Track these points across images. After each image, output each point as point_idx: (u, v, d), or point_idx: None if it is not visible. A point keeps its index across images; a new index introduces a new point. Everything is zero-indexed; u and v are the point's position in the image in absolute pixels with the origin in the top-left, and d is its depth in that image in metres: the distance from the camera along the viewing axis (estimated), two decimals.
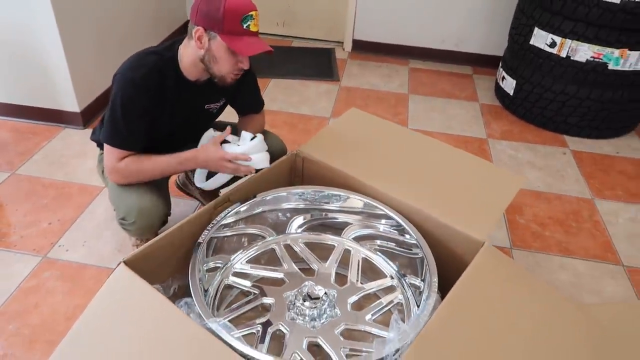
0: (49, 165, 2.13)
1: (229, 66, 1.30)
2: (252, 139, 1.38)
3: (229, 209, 1.36)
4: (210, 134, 1.44)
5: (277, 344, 1.24)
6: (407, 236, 1.37)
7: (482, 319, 1.11)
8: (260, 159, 1.37)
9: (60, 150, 2.23)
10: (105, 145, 1.32)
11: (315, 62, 3.29)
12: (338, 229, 1.54)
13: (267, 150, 1.40)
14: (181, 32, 3.26)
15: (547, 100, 2.55)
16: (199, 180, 1.49)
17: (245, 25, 1.24)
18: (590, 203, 2.13)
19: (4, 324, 1.45)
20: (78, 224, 1.83)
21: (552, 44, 2.42)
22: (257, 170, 1.40)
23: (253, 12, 1.25)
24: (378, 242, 1.50)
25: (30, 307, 1.51)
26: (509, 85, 2.73)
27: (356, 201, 1.46)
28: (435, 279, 1.21)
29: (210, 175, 1.49)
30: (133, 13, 2.74)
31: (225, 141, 1.39)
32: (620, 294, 1.70)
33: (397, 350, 1.03)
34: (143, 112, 1.31)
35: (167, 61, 1.32)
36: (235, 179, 1.45)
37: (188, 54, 1.32)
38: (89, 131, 2.32)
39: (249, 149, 1.36)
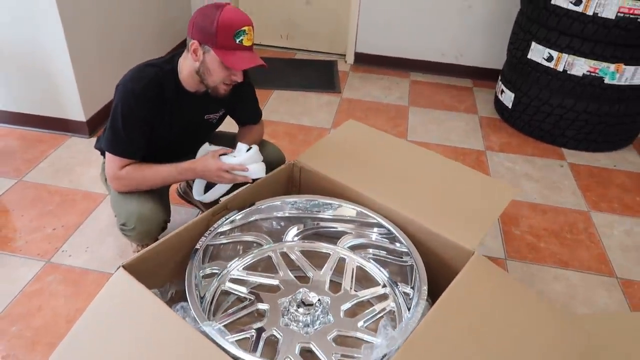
0: (54, 172, 2.19)
1: (222, 79, 1.35)
2: (247, 150, 1.42)
3: (225, 217, 1.40)
4: (206, 148, 1.49)
5: (271, 349, 1.27)
6: (399, 244, 1.40)
7: (470, 326, 1.14)
8: (256, 169, 1.41)
9: (65, 158, 2.29)
10: (107, 154, 1.38)
11: (318, 74, 3.35)
12: (333, 237, 1.58)
13: (262, 161, 1.44)
14: (184, 45, 3.33)
15: (544, 114, 2.58)
16: (197, 193, 1.54)
17: (238, 40, 1.28)
18: (586, 215, 2.15)
19: (7, 326, 1.49)
20: (81, 230, 1.88)
21: (549, 58, 2.46)
22: (253, 180, 1.44)
23: (246, 27, 1.29)
24: (371, 250, 1.53)
25: (33, 309, 1.55)
26: (508, 98, 2.77)
27: (349, 210, 1.50)
28: (425, 287, 1.24)
29: (208, 188, 1.53)
30: (138, 27, 2.82)
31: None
32: (614, 306, 1.71)
33: (385, 356, 1.06)
34: (143, 121, 1.35)
35: (166, 73, 1.37)
36: (232, 189, 1.49)
37: (186, 66, 1.37)
38: (94, 140, 2.36)
39: (245, 160, 1.40)
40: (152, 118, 1.37)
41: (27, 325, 1.50)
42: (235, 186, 1.50)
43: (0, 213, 1.94)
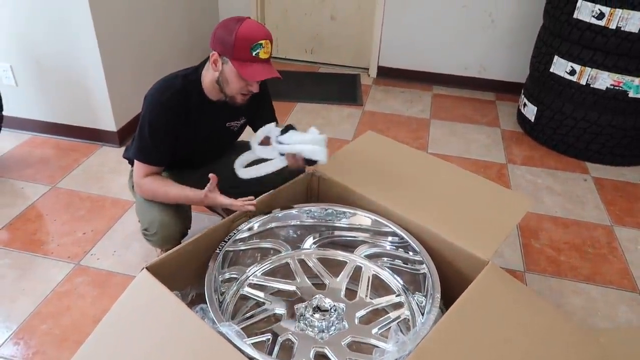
0: (86, 180, 2.29)
1: (239, 89, 1.41)
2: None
3: (244, 224, 1.45)
4: (269, 128, 1.49)
5: (286, 353, 1.30)
6: (413, 253, 1.43)
7: (481, 334, 1.15)
8: (319, 151, 1.40)
9: (97, 166, 2.39)
10: (135, 160, 1.45)
11: (341, 88, 3.41)
12: (349, 246, 1.61)
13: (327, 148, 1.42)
14: None
15: (567, 127, 2.57)
16: (238, 166, 1.50)
17: (254, 53, 1.33)
18: (609, 230, 2.12)
19: (38, 323, 1.57)
20: (109, 235, 1.96)
21: (572, 72, 2.45)
22: (312, 163, 1.44)
23: (263, 41, 1.33)
24: (387, 259, 1.56)
25: (62, 309, 1.63)
26: (530, 111, 2.76)
27: (363, 218, 1.53)
28: (438, 294, 1.26)
29: (253, 163, 1.51)
30: (168, 41, 2.94)
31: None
32: (636, 321, 1.68)
33: None
34: (168, 130, 1.43)
35: (192, 83, 1.45)
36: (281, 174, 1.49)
37: (208, 76, 1.44)
38: (123, 149, 2.47)
39: (313, 139, 1.41)
40: (177, 126, 1.44)
41: (56, 324, 1.57)
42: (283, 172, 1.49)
43: (35, 217, 2.04)
